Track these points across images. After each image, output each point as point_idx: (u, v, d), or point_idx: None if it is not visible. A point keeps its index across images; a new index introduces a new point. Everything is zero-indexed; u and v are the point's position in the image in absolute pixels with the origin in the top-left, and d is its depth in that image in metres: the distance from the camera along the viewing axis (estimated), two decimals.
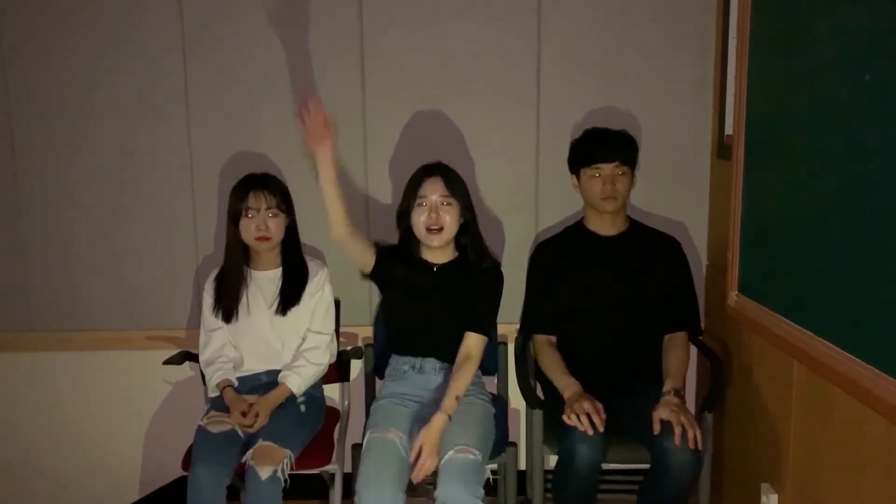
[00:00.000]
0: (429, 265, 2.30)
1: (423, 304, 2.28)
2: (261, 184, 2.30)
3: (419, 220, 2.21)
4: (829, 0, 1.72)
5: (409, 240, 2.29)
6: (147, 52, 2.56)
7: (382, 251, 2.32)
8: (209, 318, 2.36)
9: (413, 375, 2.29)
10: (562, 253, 2.41)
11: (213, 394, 2.34)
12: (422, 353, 2.31)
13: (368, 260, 2.30)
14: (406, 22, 2.55)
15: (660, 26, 2.54)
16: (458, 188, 2.24)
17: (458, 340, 2.25)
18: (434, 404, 2.15)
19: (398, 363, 2.34)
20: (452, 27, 2.55)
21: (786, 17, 1.94)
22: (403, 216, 2.27)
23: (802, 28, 1.84)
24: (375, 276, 2.33)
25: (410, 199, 2.24)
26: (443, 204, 2.20)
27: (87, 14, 2.54)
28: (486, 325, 2.27)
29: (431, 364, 2.30)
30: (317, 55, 2.56)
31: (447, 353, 2.27)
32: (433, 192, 2.20)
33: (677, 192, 2.63)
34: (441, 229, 2.21)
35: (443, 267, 2.30)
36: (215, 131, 2.60)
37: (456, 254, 2.32)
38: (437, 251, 2.29)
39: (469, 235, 2.28)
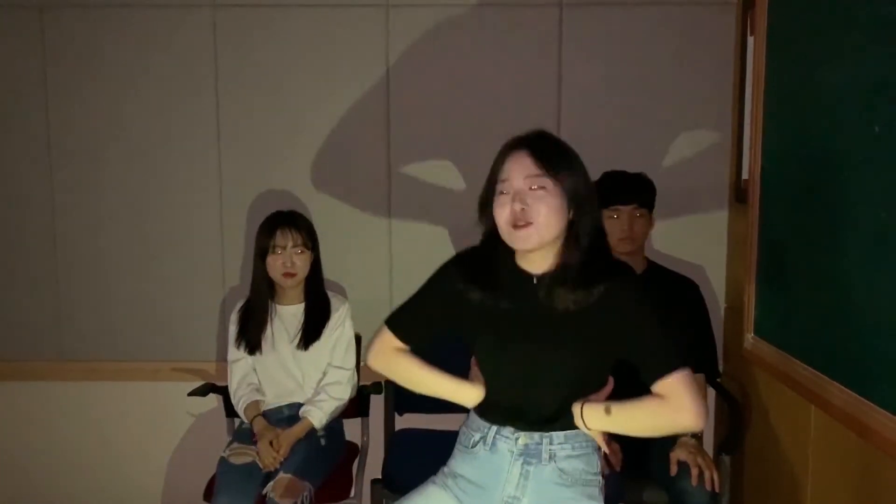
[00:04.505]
0: (525, 275, 1.60)
1: (504, 334, 1.59)
2: (288, 221, 2.36)
3: (501, 214, 1.55)
4: (841, 51, 1.77)
5: (495, 241, 1.59)
6: (180, 92, 2.66)
7: (458, 266, 1.66)
8: (232, 349, 2.42)
9: (482, 454, 1.62)
10: None
11: (245, 418, 2.36)
12: (497, 419, 1.62)
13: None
14: (430, 88, 2.63)
15: (678, 73, 2.60)
16: (557, 163, 1.54)
17: (561, 400, 1.58)
18: None
19: (471, 427, 1.67)
20: (472, 91, 2.64)
21: (799, 67, 1.99)
22: (485, 207, 1.61)
23: (815, 77, 1.89)
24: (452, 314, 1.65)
25: (491, 182, 1.59)
26: (532, 188, 1.52)
27: (122, 54, 2.66)
28: (676, 354, 1.51)
29: (507, 441, 1.60)
30: (345, 95, 2.65)
31: (537, 417, 1.58)
32: (518, 172, 1.54)
33: (696, 236, 2.66)
34: (528, 224, 1.51)
35: (544, 278, 1.58)
36: (244, 168, 2.69)
37: (557, 261, 1.56)
38: (536, 256, 1.58)
39: (576, 242, 1.54)
